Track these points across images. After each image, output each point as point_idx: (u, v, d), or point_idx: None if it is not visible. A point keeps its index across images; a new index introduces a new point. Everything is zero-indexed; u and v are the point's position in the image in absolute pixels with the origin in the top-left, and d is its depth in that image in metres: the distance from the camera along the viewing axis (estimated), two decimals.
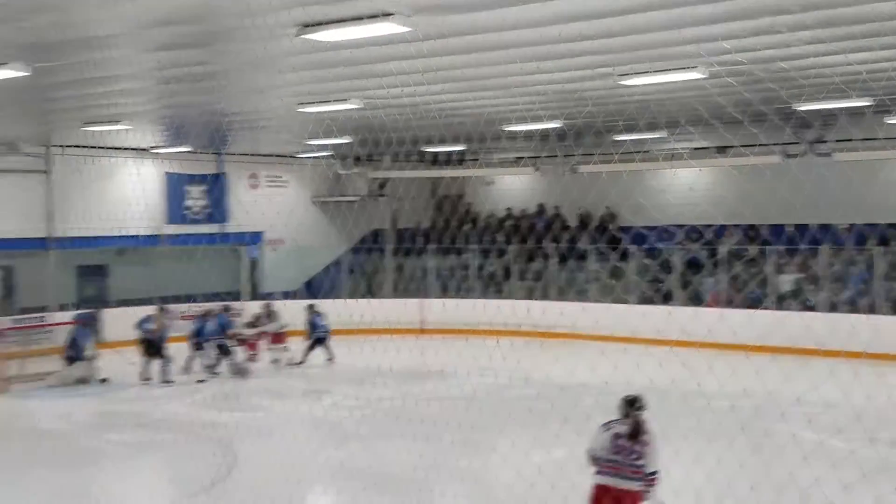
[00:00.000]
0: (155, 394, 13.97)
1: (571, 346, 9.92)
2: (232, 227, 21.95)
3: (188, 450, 10.81)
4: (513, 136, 18.24)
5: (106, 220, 19.28)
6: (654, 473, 6.30)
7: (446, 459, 9.24)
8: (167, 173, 20.97)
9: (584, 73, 11.43)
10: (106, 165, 19.56)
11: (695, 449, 8.69)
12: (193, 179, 21.60)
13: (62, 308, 18.07)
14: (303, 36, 8.27)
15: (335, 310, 16.43)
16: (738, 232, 18.99)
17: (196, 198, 21.74)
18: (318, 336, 16.11)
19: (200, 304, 16.58)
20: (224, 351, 15.13)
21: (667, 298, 18.08)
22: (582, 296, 19.16)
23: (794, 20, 8.36)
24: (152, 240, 20.62)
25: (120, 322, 16.27)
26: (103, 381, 14.64)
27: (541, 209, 22.81)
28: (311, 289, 21.44)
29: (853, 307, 16.15)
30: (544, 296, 19.86)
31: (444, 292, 20.26)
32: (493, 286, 20.84)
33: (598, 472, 6.40)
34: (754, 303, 17.14)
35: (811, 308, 16.60)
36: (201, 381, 14.73)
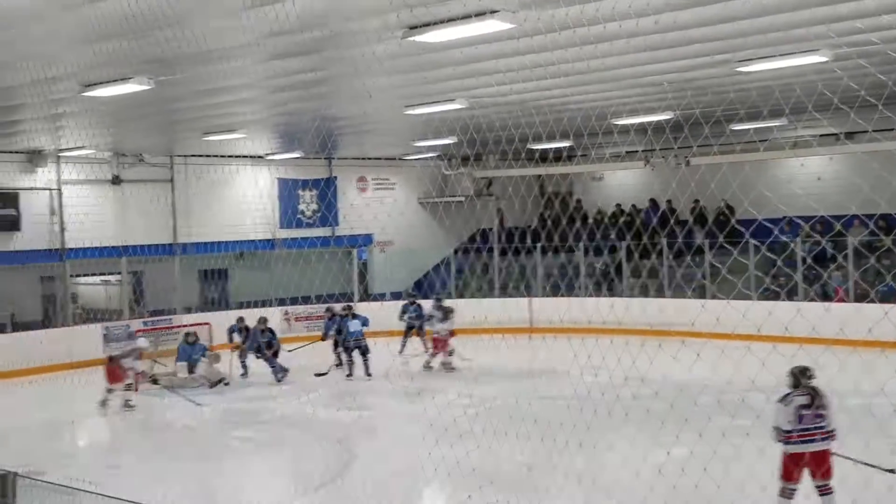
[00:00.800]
0: (273, 393, 14.39)
1: (690, 345, 9.57)
2: (343, 229, 22.41)
3: (307, 446, 11.09)
4: (625, 129, 17.85)
5: (225, 225, 20.08)
6: (834, 430, 7.15)
7: (561, 459, 9.10)
8: (280, 179, 21.63)
9: (701, 61, 11.07)
10: (224, 173, 20.35)
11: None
12: (305, 184, 22.18)
13: (187, 310, 18.90)
14: (409, 38, 8.31)
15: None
16: (868, 222, 17.96)
17: (308, 202, 22.32)
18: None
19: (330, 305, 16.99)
20: (364, 352, 15.34)
21: (791, 294, 17.32)
22: (699, 292, 18.57)
23: None
24: (268, 244, 21.29)
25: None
26: (226, 383, 15.21)
27: (653, 204, 22.25)
28: (420, 289, 21.63)
29: None
30: (659, 293, 19.37)
31: (553, 291, 20.04)
32: (605, 284, 20.47)
33: (789, 443, 7.10)
34: (887, 297, 16.17)
35: None
36: (321, 375, 15.08)
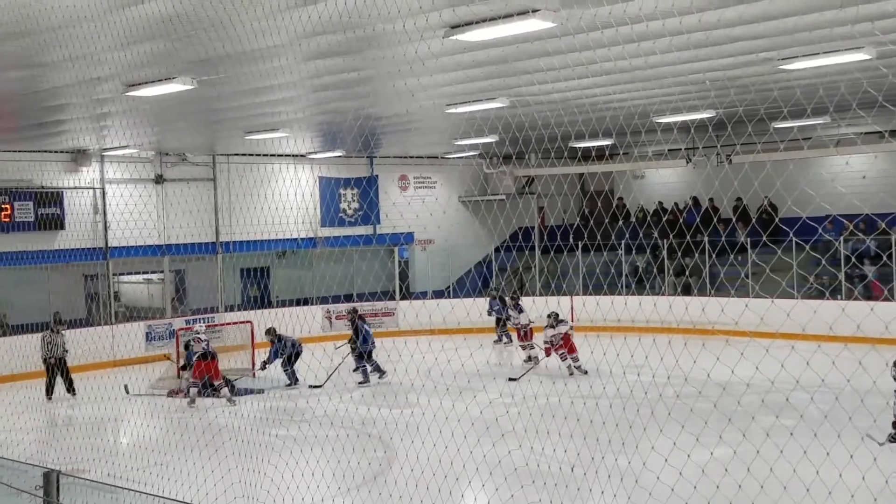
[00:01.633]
0: (315, 391, 14.52)
1: (734, 344, 9.46)
2: (384, 228, 22.51)
3: (348, 444, 11.16)
4: (668, 128, 17.70)
5: (267, 224, 20.31)
6: None
7: (604, 458, 9.06)
8: (321, 177, 21.78)
9: (744, 59, 10.93)
10: (266, 172, 20.57)
11: (872, 451, 8.11)
12: (347, 183, 22.31)
13: (229, 309, 19.15)
14: (451, 37, 8.33)
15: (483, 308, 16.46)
16: None
17: (349, 200, 22.45)
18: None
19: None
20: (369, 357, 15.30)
21: (835, 292, 17.03)
22: (742, 291, 18.35)
23: None
24: (309, 242, 21.47)
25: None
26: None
27: (695, 202, 22.02)
28: (461, 287, 21.67)
29: None
30: (702, 292, 19.17)
31: (595, 289, 19.94)
32: (647, 282, 20.30)
33: None
34: None
35: None
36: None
